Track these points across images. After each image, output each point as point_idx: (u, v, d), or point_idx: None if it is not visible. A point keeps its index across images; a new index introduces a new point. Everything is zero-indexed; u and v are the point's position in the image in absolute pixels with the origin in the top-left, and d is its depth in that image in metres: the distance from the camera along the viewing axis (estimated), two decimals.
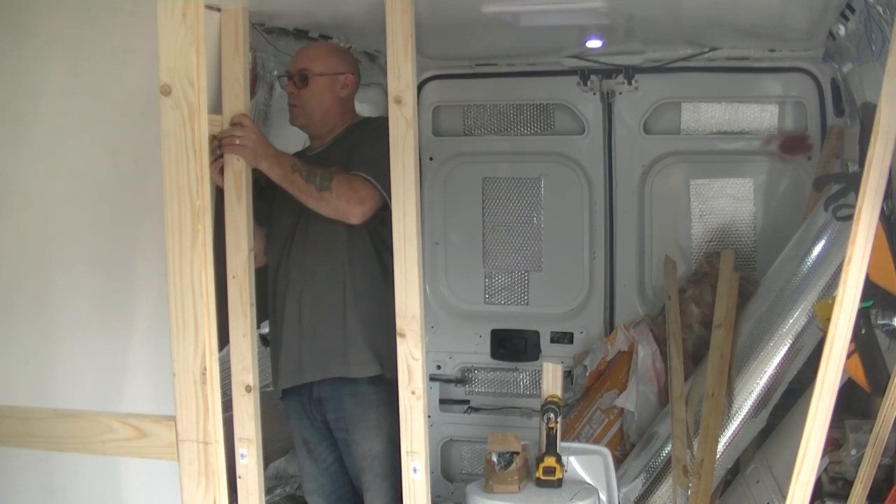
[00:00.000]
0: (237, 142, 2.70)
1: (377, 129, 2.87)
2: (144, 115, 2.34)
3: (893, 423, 2.42)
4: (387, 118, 2.70)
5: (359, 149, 2.97)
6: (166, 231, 2.12)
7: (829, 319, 2.26)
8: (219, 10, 2.73)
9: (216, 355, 2.16)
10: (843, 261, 2.24)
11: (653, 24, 3.59)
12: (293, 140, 3.57)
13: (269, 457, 3.40)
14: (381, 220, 2.92)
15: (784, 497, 2.37)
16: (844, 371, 2.30)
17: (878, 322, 2.65)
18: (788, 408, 3.62)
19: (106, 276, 2.59)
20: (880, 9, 2.59)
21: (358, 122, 3.18)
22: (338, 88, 3.05)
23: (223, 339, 2.69)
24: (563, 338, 4.58)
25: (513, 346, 4.59)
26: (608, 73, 4.29)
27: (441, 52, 4.14)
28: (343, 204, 2.85)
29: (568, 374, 4.43)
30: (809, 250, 3.62)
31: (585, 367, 4.41)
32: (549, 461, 3.16)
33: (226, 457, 2.25)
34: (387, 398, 2.91)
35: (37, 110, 2.62)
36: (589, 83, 4.33)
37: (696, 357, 4.07)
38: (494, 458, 3.17)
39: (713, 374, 3.69)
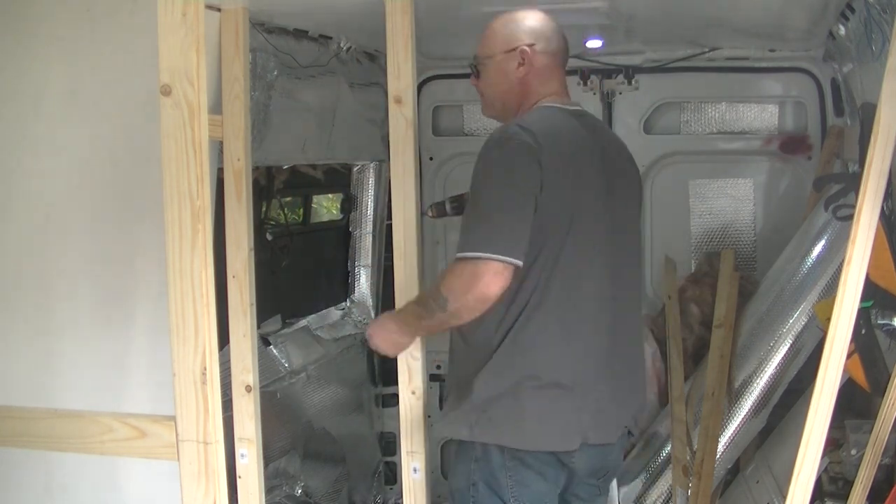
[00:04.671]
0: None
1: (481, 155, 2.38)
2: (144, 115, 2.34)
3: (893, 423, 2.42)
4: (505, 130, 2.37)
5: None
6: (166, 231, 2.12)
7: (829, 319, 2.26)
8: (219, 10, 2.73)
9: (216, 355, 2.16)
10: (843, 261, 2.24)
11: (653, 24, 3.60)
12: (292, 142, 3.57)
13: (269, 457, 3.40)
14: None
15: (784, 497, 2.36)
16: (844, 371, 2.30)
17: (878, 322, 2.65)
18: (788, 408, 3.62)
19: (106, 275, 2.59)
20: (880, 9, 2.59)
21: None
22: (511, 70, 2.48)
23: (223, 339, 2.69)
24: None
25: None
26: (608, 73, 4.29)
27: (441, 52, 4.13)
28: (467, 313, 2.32)
29: None
30: (809, 250, 3.63)
31: None
32: None
33: (226, 457, 2.25)
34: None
35: (37, 110, 2.62)
36: (589, 83, 4.33)
37: (696, 357, 4.07)
38: None
39: (713, 374, 3.69)
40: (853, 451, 2.91)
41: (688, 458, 3.66)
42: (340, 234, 4.58)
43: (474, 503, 2.42)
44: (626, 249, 2.56)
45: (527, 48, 2.47)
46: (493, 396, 2.37)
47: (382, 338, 2.61)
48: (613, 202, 2.49)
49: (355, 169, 4.48)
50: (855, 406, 3.00)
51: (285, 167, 3.93)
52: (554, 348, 2.37)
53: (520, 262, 2.26)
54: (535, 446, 2.38)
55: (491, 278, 2.24)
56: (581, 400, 2.39)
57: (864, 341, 2.64)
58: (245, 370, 2.83)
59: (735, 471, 3.81)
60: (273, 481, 3.64)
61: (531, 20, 2.52)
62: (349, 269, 4.60)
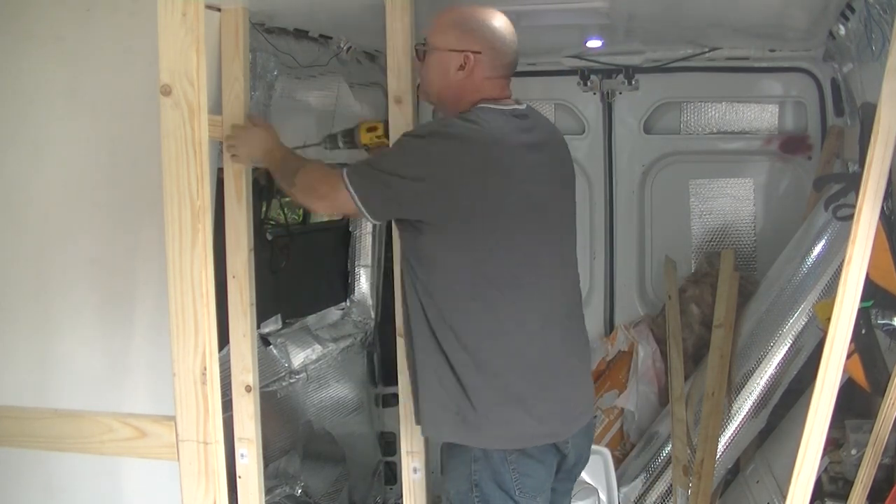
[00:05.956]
0: (231, 152, 2.73)
1: (419, 128, 2.55)
2: (144, 115, 2.34)
3: (893, 423, 2.42)
4: (449, 125, 2.39)
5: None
6: (166, 231, 2.12)
7: (829, 319, 2.26)
8: (219, 10, 2.73)
9: (216, 355, 2.16)
10: (843, 261, 2.24)
11: (653, 24, 3.60)
12: (292, 142, 3.57)
13: (269, 457, 3.40)
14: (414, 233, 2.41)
15: (784, 497, 2.37)
16: (844, 371, 2.30)
17: (878, 322, 2.65)
18: (788, 408, 3.62)
19: (106, 275, 2.59)
20: (880, 9, 2.59)
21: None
22: (452, 69, 2.45)
23: (223, 339, 2.69)
24: None
25: None
26: (608, 73, 4.29)
27: None
28: (303, 198, 2.56)
29: None
30: (809, 250, 3.63)
31: None
32: None
33: (226, 457, 2.25)
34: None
35: (37, 110, 2.62)
36: (589, 83, 4.33)
37: (696, 357, 4.07)
38: None
39: (713, 374, 3.69)
40: (853, 451, 2.91)
41: (688, 458, 3.66)
42: (340, 234, 4.58)
43: (480, 502, 2.40)
44: (566, 241, 2.57)
45: (472, 55, 2.42)
46: (462, 403, 2.38)
47: (249, 144, 2.70)
48: (552, 197, 2.49)
49: None
50: (855, 406, 3.00)
51: None
52: (496, 344, 2.37)
53: (373, 220, 2.46)
54: (525, 444, 2.38)
55: (336, 204, 2.44)
56: (540, 394, 2.39)
57: (864, 341, 2.64)
58: (245, 370, 2.83)
59: (735, 471, 3.82)
60: (273, 481, 3.65)
61: (489, 29, 2.45)
62: (349, 269, 4.59)
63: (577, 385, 2.52)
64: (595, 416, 2.69)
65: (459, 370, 2.36)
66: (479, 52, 2.42)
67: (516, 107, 2.48)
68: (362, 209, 2.37)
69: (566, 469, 2.55)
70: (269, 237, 3.96)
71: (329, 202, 2.46)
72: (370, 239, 4.56)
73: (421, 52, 2.52)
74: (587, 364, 2.64)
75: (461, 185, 2.30)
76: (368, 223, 4.53)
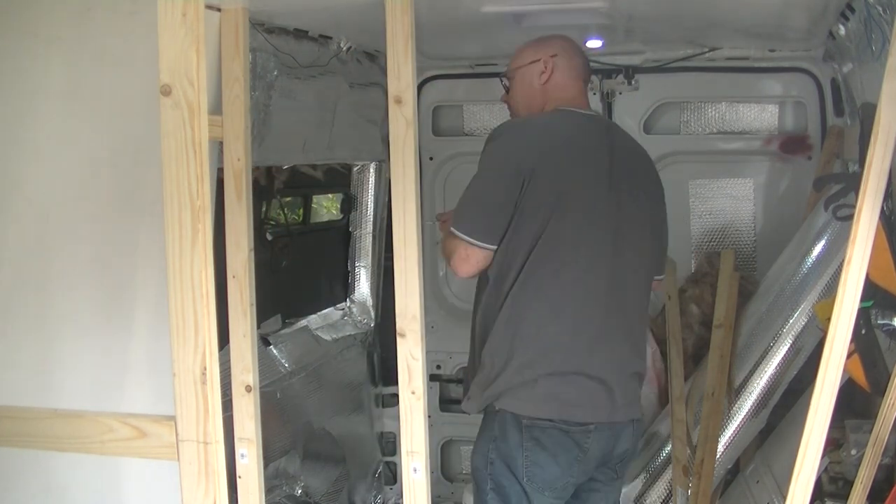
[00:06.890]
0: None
1: (487, 143, 2.67)
2: (144, 115, 2.34)
3: (893, 423, 2.42)
4: (501, 125, 2.69)
5: None
6: (166, 231, 2.12)
7: (829, 319, 2.26)
8: (219, 10, 2.73)
9: (216, 355, 2.16)
10: (843, 261, 2.24)
11: (653, 24, 3.60)
12: (292, 142, 3.57)
13: (269, 457, 3.40)
14: None
15: (784, 497, 2.37)
16: (844, 371, 2.30)
17: (878, 322, 2.65)
18: (788, 408, 3.62)
19: (106, 275, 2.59)
20: (880, 9, 2.59)
21: None
22: (535, 78, 2.76)
23: (223, 339, 2.69)
24: None
25: None
26: (608, 73, 4.29)
27: (441, 52, 4.13)
28: (451, 263, 2.68)
29: None
30: (809, 250, 3.62)
31: None
32: None
33: (226, 457, 2.25)
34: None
35: (37, 110, 2.62)
36: (589, 83, 4.32)
37: (696, 357, 4.07)
38: None
39: (713, 374, 3.69)
40: (853, 451, 2.91)
41: (688, 458, 3.66)
42: (340, 234, 4.58)
43: (491, 479, 2.57)
44: (631, 239, 2.68)
45: (550, 59, 2.73)
46: (497, 371, 2.57)
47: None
48: (619, 196, 2.63)
49: (355, 169, 4.49)
50: (855, 406, 3.00)
51: (285, 167, 3.94)
52: (538, 327, 2.54)
53: (489, 245, 2.56)
54: (540, 414, 2.51)
55: (461, 255, 2.59)
56: (574, 378, 2.55)
57: (864, 341, 2.64)
58: (245, 370, 2.83)
59: (735, 471, 3.81)
60: (273, 481, 3.65)
61: (558, 38, 2.79)
62: (349, 269, 4.60)
63: (608, 383, 2.58)
64: (634, 420, 2.75)
65: (499, 340, 2.58)
66: (555, 55, 2.74)
67: (592, 113, 2.76)
68: (477, 243, 2.56)
69: (594, 460, 2.60)
70: (269, 237, 3.97)
71: (457, 267, 2.64)
72: (370, 239, 4.57)
73: (505, 84, 2.82)
74: (628, 366, 2.70)
75: (520, 177, 2.51)
76: (368, 223, 4.54)
